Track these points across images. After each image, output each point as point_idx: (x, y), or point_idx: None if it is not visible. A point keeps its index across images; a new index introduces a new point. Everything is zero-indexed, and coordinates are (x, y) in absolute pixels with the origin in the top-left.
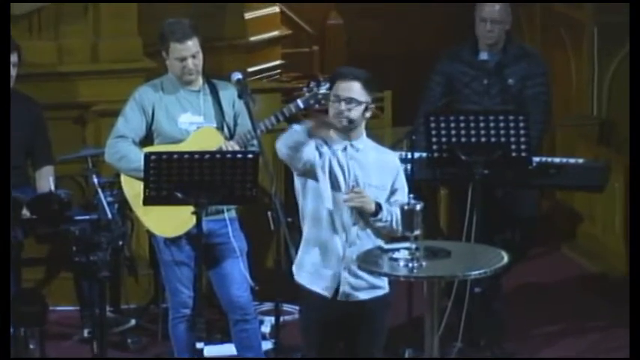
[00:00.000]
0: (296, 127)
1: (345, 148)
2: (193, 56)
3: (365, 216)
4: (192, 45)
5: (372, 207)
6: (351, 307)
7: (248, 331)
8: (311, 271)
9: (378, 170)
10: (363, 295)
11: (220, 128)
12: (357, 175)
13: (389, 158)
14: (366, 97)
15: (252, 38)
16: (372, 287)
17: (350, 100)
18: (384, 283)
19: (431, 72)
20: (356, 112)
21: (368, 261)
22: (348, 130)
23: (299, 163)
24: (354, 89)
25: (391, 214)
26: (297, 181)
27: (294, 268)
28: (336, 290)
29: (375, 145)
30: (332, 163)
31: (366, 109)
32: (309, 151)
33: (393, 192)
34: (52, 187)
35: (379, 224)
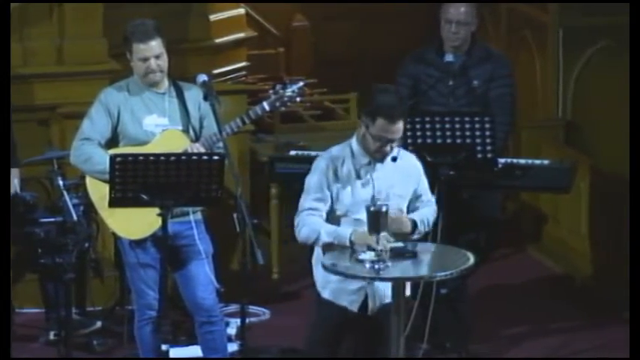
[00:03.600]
0: (325, 237)
1: (369, 163)
2: (157, 57)
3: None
4: (156, 45)
5: (410, 227)
6: (375, 313)
7: (214, 333)
8: (336, 286)
9: (401, 179)
10: (387, 300)
11: (186, 130)
12: (381, 187)
13: (410, 165)
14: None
15: (218, 40)
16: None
17: (393, 141)
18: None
19: (396, 74)
20: (395, 147)
21: (334, 263)
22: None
23: None
24: (400, 129)
25: (424, 223)
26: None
27: (318, 287)
28: (365, 304)
29: (399, 152)
30: (354, 180)
31: None
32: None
33: (417, 197)
34: (18, 190)
35: (414, 237)
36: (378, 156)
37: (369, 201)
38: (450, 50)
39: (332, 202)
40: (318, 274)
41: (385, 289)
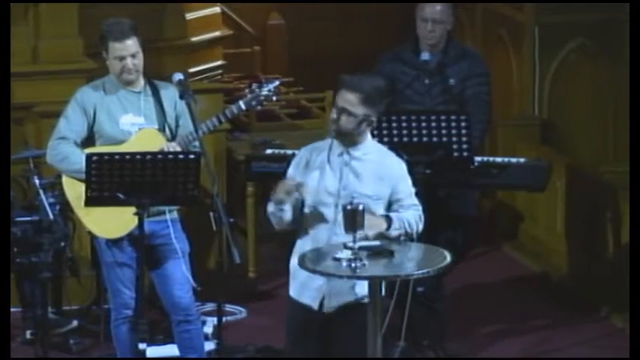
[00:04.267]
0: (269, 208)
1: (341, 154)
2: (133, 56)
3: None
4: (132, 44)
5: (384, 226)
6: (332, 313)
7: (190, 332)
8: (301, 281)
9: (375, 181)
10: (342, 300)
11: (162, 129)
12: (349, 183)
13: (390, 168)
14: (363, 110)
15: (194, 39)
16: (353, 293)
17: (342, 110)
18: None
19: (373, 73)
20: (347, 124)
21: (310, 261)
22: (341, 138)
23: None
24: (350, 100)
25: (402, 221)
26: None
27: (290, 280)
28: (322, 302)
29: (379, 150)
30: (324, 169)
31: (363, 121)
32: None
33: (396, 200)
34: None
35: (393, 233)
36: (332, 126)
37: (335, 195)
38: (425, 49)
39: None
40: (290, 265)
41: (341, 287)
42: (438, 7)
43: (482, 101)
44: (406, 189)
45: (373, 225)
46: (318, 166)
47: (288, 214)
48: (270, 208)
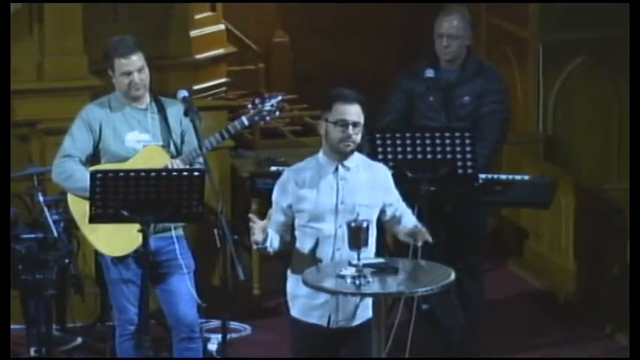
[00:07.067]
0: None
1: (336, 169)
2: (139, 70)
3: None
4: (137, 59)
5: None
6: (339, 333)
7: (192, 350)
8: (304, 301)
9: (369, 189)
10: (353, 322)
11: (167, 146)
12: (346, 196)
13: (379, 175)
14: (363, 119)
15: (198, 56)
16: (361, 311)
17: (356, 124)
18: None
19: (391, 89)
20: (359, 136)
21: (314, 278)
22: (347, 154)
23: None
24: (358, 112)
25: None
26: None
27: (288, 301)
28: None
29: (365, 160)
30: (318, 188)
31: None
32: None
33: (391, 204)
34: None
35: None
36: (344, 147)
37: (333, 210)
38: (443, 65)
39: (293, 213)
40: (288, 287)
41: (347, 301)
42: (455, 22)
43: (497, 120)
44: (396, 193)
45: (423, 233)
46: (309, 185)
47: (275, 244)
48: (254, 246)
